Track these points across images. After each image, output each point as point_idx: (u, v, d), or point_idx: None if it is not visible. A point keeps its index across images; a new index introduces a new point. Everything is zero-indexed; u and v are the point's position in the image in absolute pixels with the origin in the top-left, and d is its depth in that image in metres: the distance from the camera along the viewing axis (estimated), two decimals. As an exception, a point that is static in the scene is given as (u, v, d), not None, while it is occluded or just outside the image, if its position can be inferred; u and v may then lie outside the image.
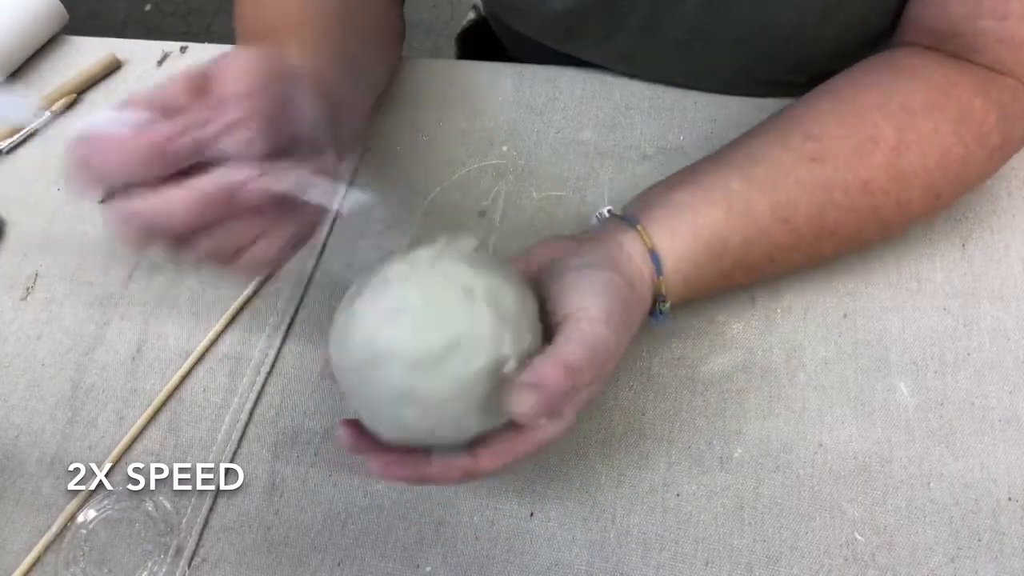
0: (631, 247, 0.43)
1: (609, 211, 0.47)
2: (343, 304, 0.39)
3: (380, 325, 0.36)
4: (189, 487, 0.48)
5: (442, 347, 0.35)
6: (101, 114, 0.33)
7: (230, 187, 0.34)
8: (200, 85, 0.35)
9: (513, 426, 0.38)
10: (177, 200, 0.33)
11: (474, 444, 0.38)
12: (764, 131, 0.47)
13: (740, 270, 0.45)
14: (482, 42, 0.82)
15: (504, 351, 0.36)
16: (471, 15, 0.83)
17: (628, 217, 0.45)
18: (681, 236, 0.43)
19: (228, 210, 0.34)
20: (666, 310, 0.44)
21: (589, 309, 0.38)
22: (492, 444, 0.38)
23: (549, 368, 0.36)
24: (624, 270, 0.42)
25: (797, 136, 0.45)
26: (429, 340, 0.35)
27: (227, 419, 0.50)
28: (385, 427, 0.38)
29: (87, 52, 0.68)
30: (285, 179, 0.35)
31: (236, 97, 0.33)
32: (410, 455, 0.39)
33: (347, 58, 0.48)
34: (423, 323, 0.36)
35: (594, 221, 0.50)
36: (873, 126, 0.44)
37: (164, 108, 0.34)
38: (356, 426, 0.39)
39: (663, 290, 0.43)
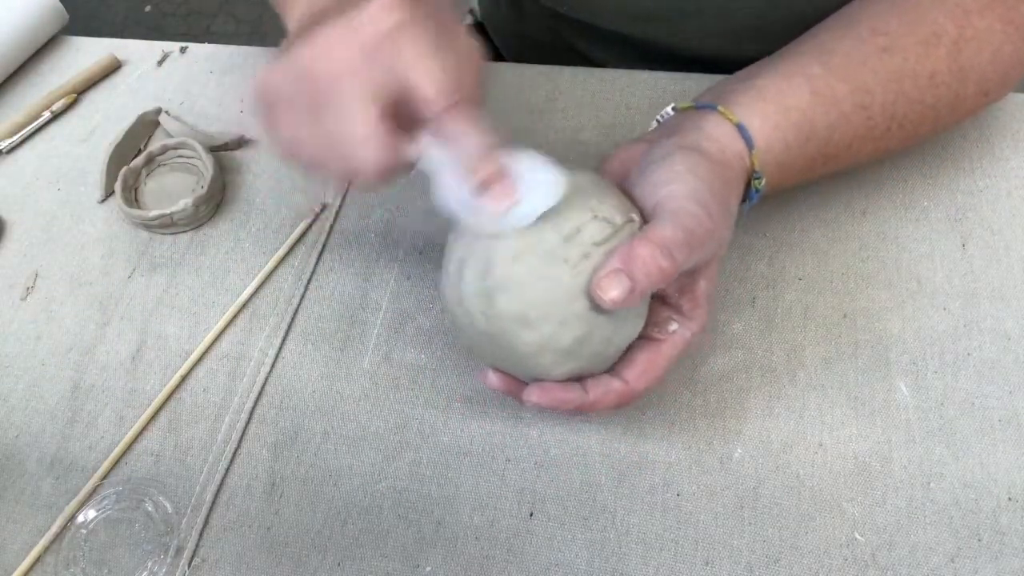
0: (714, 128, 0.42)
1: (674, 108, 0.46)
2: (454, 270, 0.40)
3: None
4: (189, 487, 0.48)
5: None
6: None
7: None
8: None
9: (647, 339, 0.40)
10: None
11: (617, 369, 0.40)
12: (827, 27, 0.47)
13: (821, 158, 0.45)
14: None
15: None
16: (467, 20, 0.84)
17: (704, 104, 0.44)
18: (771, 117, 0.43)
19: None
20: (761, 188, 0.44)
21: (676, 190, 0.38)
22: (634, 363, 0.40)
23: (638, 246, 0.36)
24: (710, 151, 0.41)
25: (864, 29, 0.45)
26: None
27: (227, 419, 0.50)
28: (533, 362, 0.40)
29: (87, 52, 0.68)
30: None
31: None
32: (569, 383, 0.40)
33: None
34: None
35: (654, 124, 0.48)
36: (934, 22, 0.45)
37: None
38: (501, 373, 0.42)
39: (757, 165, 0.43)
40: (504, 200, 0.37)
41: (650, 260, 0.36)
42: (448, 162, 0.37)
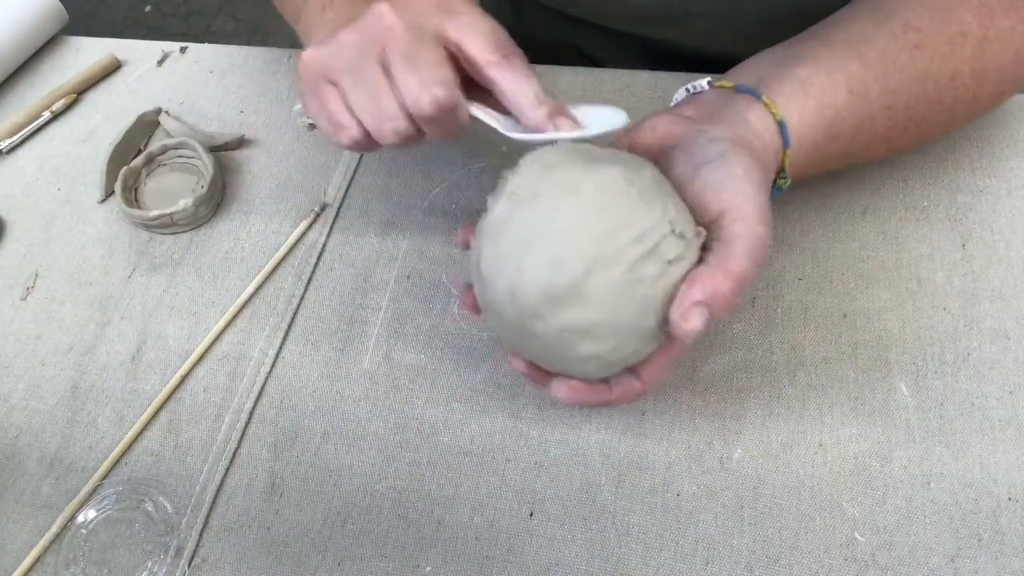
0: (758, 121, 0.42)
1: (709, 83, 0.45)
2: (486, 238, 0.39)
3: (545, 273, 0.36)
4: (189, 487, 0.48)
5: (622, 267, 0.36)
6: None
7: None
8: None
9: (665, 337, 0.39)
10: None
11: (636, 368, 0.40)
12: (864, 14, 0.46)
13: (839, 156, 0.45)
14: None
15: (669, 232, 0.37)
16: None
17: (747, 88, 0.43)
18: (808, 114, 0.42)
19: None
20: (785, 188, 0.44)
21: (742, 207, 0.38)
22: (652, 363, 0.40)
23: (720, 281, 0.36)
24: (756, 150, 0.41)
25: (898, 23, 0.45)
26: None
27: (227, 419, 0.50)
28: (569, 362, 0.39)
29: (87, 52, 0.68)
30: None
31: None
32: (597, 384, 0.40)
33: None
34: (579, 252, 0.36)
35: (683, 93, 0.47)
36: (960, 20, 0.44)
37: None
38: (528, 361, 0.41)
39: (786, 165, 0.42)
40: (572, 127, 0.38)
41: (730, 296, 0.36)
42: (499, 122, 0.40)
